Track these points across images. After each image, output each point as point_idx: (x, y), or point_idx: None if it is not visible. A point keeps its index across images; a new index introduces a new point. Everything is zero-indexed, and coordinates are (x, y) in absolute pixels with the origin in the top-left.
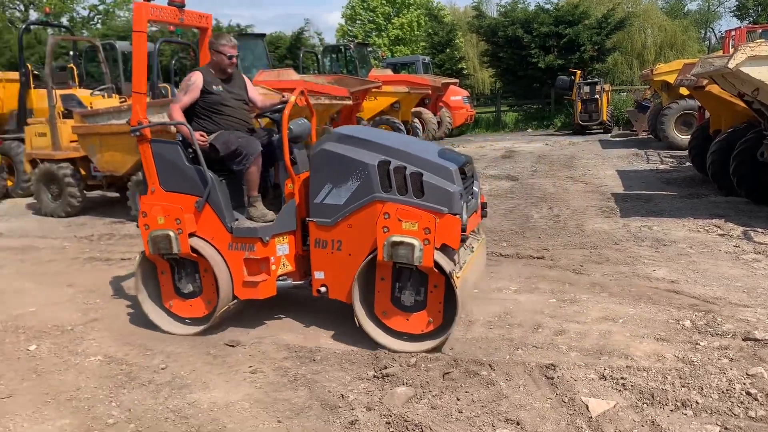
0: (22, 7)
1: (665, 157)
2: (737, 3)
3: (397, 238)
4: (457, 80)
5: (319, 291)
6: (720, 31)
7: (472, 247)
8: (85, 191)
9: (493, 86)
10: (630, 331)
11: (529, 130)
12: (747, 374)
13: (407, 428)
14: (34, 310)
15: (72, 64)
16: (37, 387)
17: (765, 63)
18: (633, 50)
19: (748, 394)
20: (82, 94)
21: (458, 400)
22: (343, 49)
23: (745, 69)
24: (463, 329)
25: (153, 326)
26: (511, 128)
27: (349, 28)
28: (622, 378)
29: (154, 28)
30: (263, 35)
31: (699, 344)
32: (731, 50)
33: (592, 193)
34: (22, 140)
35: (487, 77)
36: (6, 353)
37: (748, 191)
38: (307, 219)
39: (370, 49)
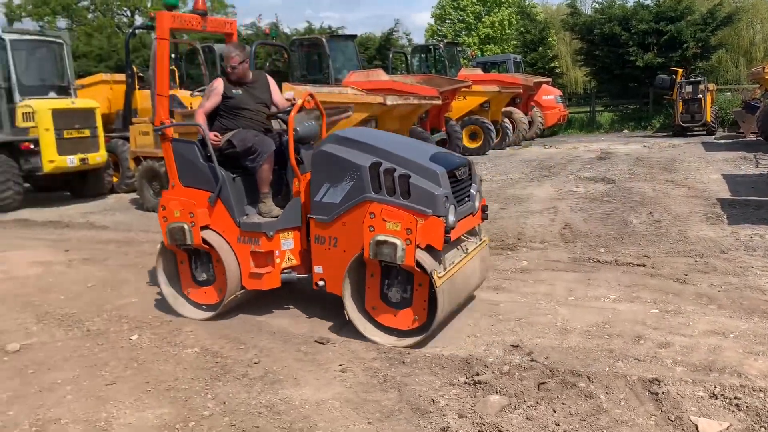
0: (128, 13)
1: None
2: None
3: (381, 237)
4: (550, 79)
5: (317, 284)
6: None
7: (467, 249)
8: None
9: (586, 85)
10: (743, 347)
11: (626, 131)
12: None
13: None
14: (136, 301)
15: (173, 66)
16: (139, 376)
17: None
18: (740, 47)
19: None
20: (183, 94)
21: (555, 412)
22: (432, 49)
23: None
24: (558, 338)
25: (172, 310)
26: (606, 129)
27: (438, 27)
28: (735, 398)
29: (249, 32)
30: (354, 36)
31: None
32: None
33: (696, 198)
34: (127, 138)
35: (580, 76)
36: (111, 341)
37: None
38: (308, 216)
39: (459, 48)
